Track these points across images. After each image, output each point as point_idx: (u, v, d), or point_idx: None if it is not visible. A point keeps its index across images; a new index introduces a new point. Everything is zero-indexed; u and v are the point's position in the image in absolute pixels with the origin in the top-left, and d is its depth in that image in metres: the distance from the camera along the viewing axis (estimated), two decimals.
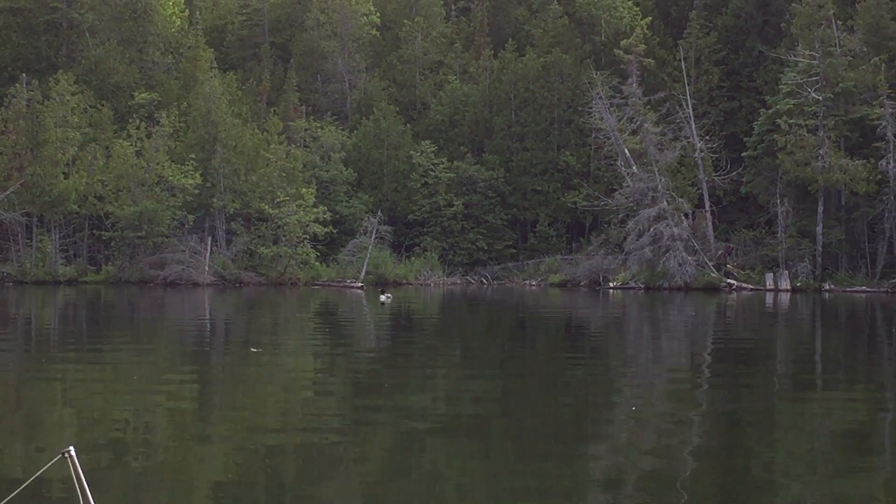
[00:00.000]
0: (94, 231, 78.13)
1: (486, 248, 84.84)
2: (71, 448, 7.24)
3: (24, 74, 79.55)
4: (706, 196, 79.15)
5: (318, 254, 78.64)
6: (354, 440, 17.35)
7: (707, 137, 79.77)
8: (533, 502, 13.21)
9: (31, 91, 77.10)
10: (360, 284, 75.37)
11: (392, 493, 13.84)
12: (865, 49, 75.67)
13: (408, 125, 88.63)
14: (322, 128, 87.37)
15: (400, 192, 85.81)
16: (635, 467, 15.27)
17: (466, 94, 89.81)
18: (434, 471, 15.24)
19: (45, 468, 7.67)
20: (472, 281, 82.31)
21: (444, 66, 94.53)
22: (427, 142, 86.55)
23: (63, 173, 75.42)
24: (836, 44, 75.86)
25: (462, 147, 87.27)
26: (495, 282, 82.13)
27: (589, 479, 14.58)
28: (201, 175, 76.50)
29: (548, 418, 19.81)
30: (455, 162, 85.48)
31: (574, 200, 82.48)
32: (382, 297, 57.53)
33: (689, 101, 79.92)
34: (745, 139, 79.02)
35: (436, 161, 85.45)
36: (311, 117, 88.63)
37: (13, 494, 8.10)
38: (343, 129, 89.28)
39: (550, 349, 34.36)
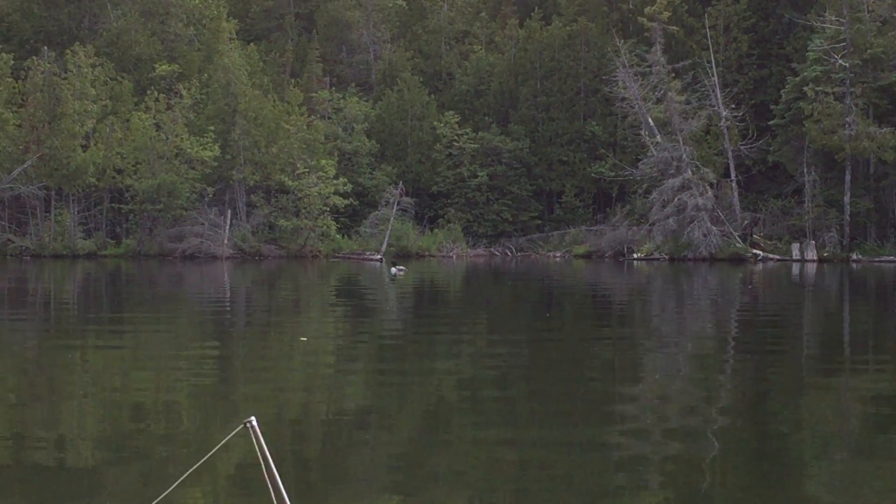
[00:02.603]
0: (114, 204, 77.96)
1: (510, 219, 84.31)
2: (253, 418, 7.12)
3: (45, 47, 79.25)
4: (732, 165, 78.30)
5: (340, 226, 78.32)
6: (378, 419, 17.02)
7: (734, 106, 78.79)
8: (559, 481, 12.85)
9: (49, 63, 76.74)
10: (378, 257, 75.09)
11: (417, 468, 13.54)
12: (895, 15, 74.51)
13: (432, 96, 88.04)
14: (344, 98, 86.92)
15: (424, 163, 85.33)
16: (660, 447, 14.90)
17: (492, 63, 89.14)
18: (460, 450, 14.88)
19: (228, 437, 7.49)
20: (496, 253, 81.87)
21: (470, 36, 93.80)
22: (451, 112, 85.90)
23: (81, 146, 75.15)
24: (864, 9, 74.74)
25: (487, 117, 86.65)
26: (518, 253, 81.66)
27: (613, 460, 14.19)
28: (220, 147, 76.11)
29: (574, 396, 19.42)
30: (480, 132, 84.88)
31: (600, 171, 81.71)
32: (394, 270, 56.55)
33: (714, 70, 78.94)
34: (773, 108, 78.02)
35: (460, 132, 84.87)
36: (334, 88, 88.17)
37: (199, 463, 7.92)
38: (367, 100, 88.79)
39: (577, 323, 33.91)
